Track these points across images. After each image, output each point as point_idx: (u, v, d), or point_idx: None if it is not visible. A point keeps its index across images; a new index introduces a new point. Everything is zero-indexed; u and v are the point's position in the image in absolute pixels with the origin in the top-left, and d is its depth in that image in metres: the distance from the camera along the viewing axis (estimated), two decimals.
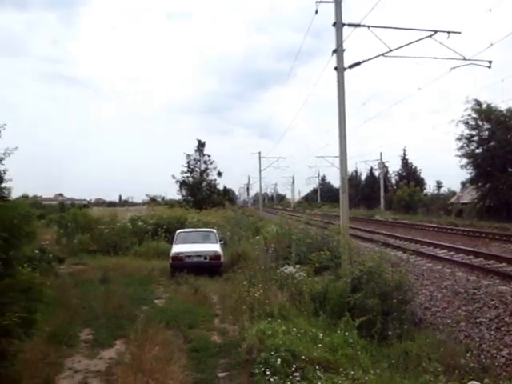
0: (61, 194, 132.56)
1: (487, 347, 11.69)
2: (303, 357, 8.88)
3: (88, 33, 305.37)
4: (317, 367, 8.67)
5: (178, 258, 22.00)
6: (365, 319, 11.57)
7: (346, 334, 10.63)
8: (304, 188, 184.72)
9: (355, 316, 11.66)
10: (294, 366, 8.59)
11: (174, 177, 70.72)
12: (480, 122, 51.77)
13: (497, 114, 50.57)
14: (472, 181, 55.83)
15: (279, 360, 8.64)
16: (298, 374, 8.36)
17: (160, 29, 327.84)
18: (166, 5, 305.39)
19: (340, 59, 18.93)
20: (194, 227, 30.02)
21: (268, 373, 8.37)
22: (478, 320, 13.22)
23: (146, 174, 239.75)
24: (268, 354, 8.85)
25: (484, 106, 51.37)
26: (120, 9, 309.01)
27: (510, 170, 50.20)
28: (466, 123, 52.16)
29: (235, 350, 10.69)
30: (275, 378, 8.26)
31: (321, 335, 10.32)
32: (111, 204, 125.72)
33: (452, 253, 25.01)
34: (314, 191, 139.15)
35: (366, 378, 8.38)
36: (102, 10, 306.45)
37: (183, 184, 70.69)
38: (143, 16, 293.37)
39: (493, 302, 14.08)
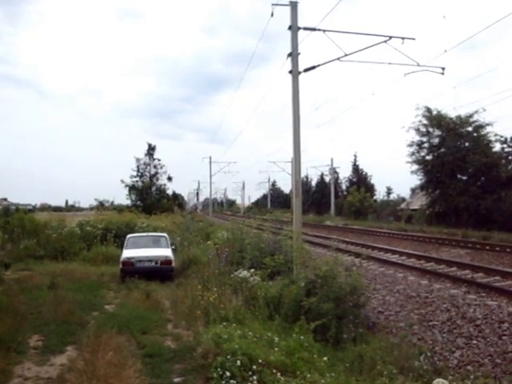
0: (5, 199, 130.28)
1: (440, 349, 11.82)
2: (260, 360, 8.81)
3: (32, 31, 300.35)
4: (274, 371, 8.63)
5: (128, 262, 21.77)
6: (320, 323, 11.61)
7: (302, 337, 10.60)
8: (254, 193, 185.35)
9: (310, 320, 11.65)
10: (252, 369, 8.53)
11: (123, 181, 70.15)
12: (430, 129, 52.38)
13: (447, 120, 51.23)
14: (422, 187, 56.43)
15: (237, 364, 8.56)
16: (255, 377, 8.31)
17: (109, 29, 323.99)
18: (117, 4, 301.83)
19: (295, 63, 18.90)
20: (143, 232, 29.85)
21: (225, 377, 8.29)
22: (430, 323, 13.39)
23: (93, 178, 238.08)
24: (224, 358, 8.76)
25: (434, 112, 52.02)
26: (68, 7, 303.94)
27: (459, 176, 50.87)
28: (417, 130, 52.72)
29: (190, 354, 10.62)
30: (233, 381, 8.20)
31: (277, 339, 10.27)
32: (57, 209, 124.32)
33: (403, 257, 25.33)
34: (264, 197, 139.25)
35: (323, 381, 8.37)
36: (47, 7, 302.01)
37: (132, 188, 70.18)
38: (92, 15, 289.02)
39: (445, 305, 14.30)
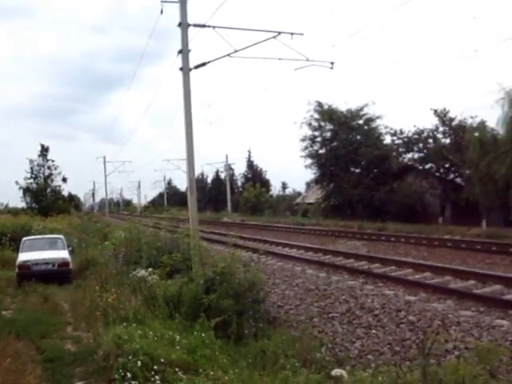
0: None
1: (341, 340, 11.98)
2: (162, 360, 8.68)
3: None
4: (176, 369, 8.53)
5: (24, 266, 21.12)
6: (220, 320, 11.59)
7: (203, 335, 10.54)
8: (150, 192, 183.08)
9: (211, 317, 11.60)
10: (154, 369, 8.40)
11: (17, 183, 68.77)
12: (322, 123, 53.17)
13: (338, 114, 52.11)
14: (316, 181, 57.33)
15: (138, 364, 8.41)
16: (158, 377, 8.19)
17: None
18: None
19: (185, 60, 18.75)
20: (40, 234, 28.98)
21: (127, 378, 8.13)
22: (330, 315, 13.53)
23: None
24: (126, 359, 8.58)
25: (325, 107, 52.79)
26: None
27: (352, 169, 51.86)
28: (309, 124, 53.46)
29: (91, 357, 10.36)
30: (135, 382, 8.05)
31: (178, 337, 10.16)
32: None
33: (301, 251, 25.59)
34: (161, 195, 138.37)
35: (226, 377, 8.31)
36: None
37: (27, 190, 68.89)
38: None
39: (343, 297, 14.46)
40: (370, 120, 51.90)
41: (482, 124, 39.19)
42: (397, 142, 49.97)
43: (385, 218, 41.35)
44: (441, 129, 46.50)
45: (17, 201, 73.49)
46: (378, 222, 39.72)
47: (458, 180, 46.03)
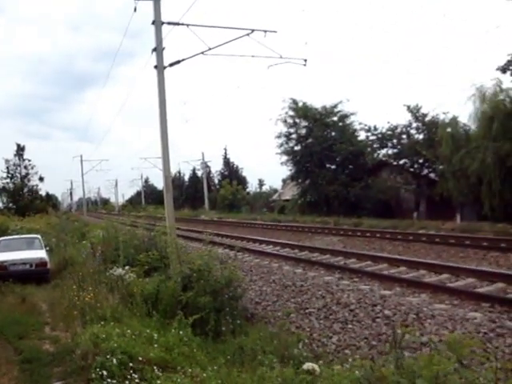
0: None
1: (318, 336, 12.12)
2: (140, 358, 8.70)
3: None
4: (154, 367, 8.53)
5: (1, 267, 20.93)
6: (198, 317, 11.56)
7: (181, 332, 10.56)
8: (128, 191, 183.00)
9: (188, 314, 11.58)
10: (132, 367, 8.42)
11: None
12: (297, 120, 53.37)
13: (313, 111, 52.33)
14: (292, 177, 57.55)
15: (115, 363, 8.44)
16: (136, 375, 8.18)
17: None
18: None
19: (160, 58, 18.75)
20: (17, 234, 28.85)
21: (105, 376, 8.16)
22: (307, 311, 13.65)
23: None
24: (104, 358, 8.58)
25: (300, 104, 52.98)
26: None
27: (328, 165, 52.08)
28: (284, 121, 53.70)
29: (69, 357, 10.29)
30: (113, 381, 8.07)
31: (156, 335, 10.17)
32: None
33: (278, 248, 25.70)
34: (138, 194, 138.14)
35: (204, 374, 8.34)
36: None
37: (3, 190, 68.45)
38: None
39: (320, 293, 14.57)
40: (344, 117, 52.25)
41: (454, 120, 39.58)
42: (371, 138, 50.33)
43: (360, 214, 41.69)
44: (414, 125, 46.93)
45: None
46: (354, 217, 39.93)
47: (432, 175, 46.40)
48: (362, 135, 51.71)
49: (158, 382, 8.00)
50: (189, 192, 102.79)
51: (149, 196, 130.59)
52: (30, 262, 21.47)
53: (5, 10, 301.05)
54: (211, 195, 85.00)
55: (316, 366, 7.69)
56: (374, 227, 32.88)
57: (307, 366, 7.78)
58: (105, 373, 8.20)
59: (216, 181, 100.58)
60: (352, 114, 52.03)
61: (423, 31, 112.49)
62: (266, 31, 19.73)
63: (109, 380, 8.09)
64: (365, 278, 16.44)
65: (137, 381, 8.08)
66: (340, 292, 14.21)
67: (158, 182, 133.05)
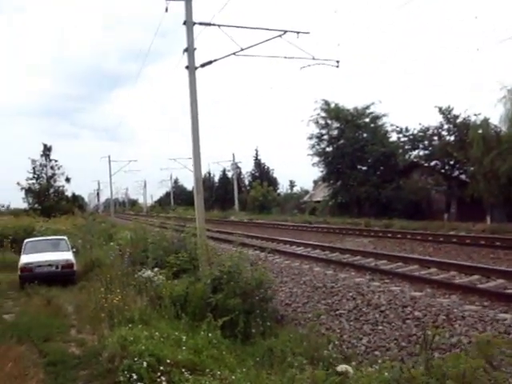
0: None
1: (348, 337, 12.05)
2: (168, 361, 8.63)
3: None
4: (183, 370, 8.48)
5: (27, 268, 20.94)
6: (227, 319, 11.54)
7: (210, 335, 10.51)
8: (156, 192, 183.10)
9: (218, 316, 11.54)
10: (160, 370, 8.37)
11: (19, 183, 68.42)
12: (329, 121, 53.35)
13: (345, 113, 52.28)
14: (324, 179, 57.57)
15: (144, 365, 8.40)
16: (164, 378, 8.14)
17: None
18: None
19: (191, 58, 18.71)
20: (43, 236, 28.84)
21: (133, 379, 8.12)
22: (337, 312, 13.56)
23: None
24: (131, 361, 8.54)
25: (332, 105, 52.92)
26: None
27: (359, 166, 51.94)
28: (316, 122, 53.76)
29: (96, 359, 10.30)
30: None
31: (184, 338, 10.13)
32: None
33: (309, 249, 25.57)
34: (167, 194, 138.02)
35: (233, 377, 8.28)
36: None
37: (29, 191, 68.50)
38: None
39: (350, 294, 14.47)
40: (376, 118, 52.14)
41: (486, 121, 39.34)
42: (402, 139, 50.09)
43: (391, 215, 41.50)
44: (445, 126, 46.57)
45: (19, 202, 73.41)
46: (385, 219, 39.78)
47: (463, 177, 46.16)
48: (393, 136, 51.65)
49: None
50: (218, 193, 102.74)
51: (178, 197, 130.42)
52: (56, 263, 21.46)
53: (27, 10, 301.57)
54: (241, 196, 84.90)
55: (349, 368, 7.62)
56: (405, 228, 32.75)
57: (341, 367, 7.72)
58: (134, 376, 8.18)
59: (246, 182, 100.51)
60: (384, 115, 52.01)
61: (455, 33, 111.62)
62: (298, 32, 19.64)
63: (137, 383, 8.07)
64: (395, 279, 16.28)
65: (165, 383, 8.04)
66: (371, 293, 14.10)
67: (188, 183, 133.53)
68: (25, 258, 21.80)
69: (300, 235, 35.81)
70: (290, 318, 14.13)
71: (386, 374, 6.65)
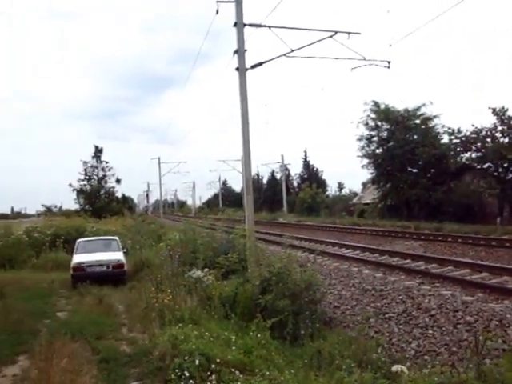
0: None
1: (397, 341, 11.91)
2: (218, 360, 8.70)
3: None
4: (232, 369, 8.53)
5: (79, 268, 21.35)
6: (276, 320, 11.55)
7: (259, 335, 10.54)
8: (205, 193, 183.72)
9: (266, 317, 11.56)
10: (210, 369, 8.43)
11: (71, 185, 69.47)
12: (379, 123, 53.00)
13: (395, 114, 51.86)
14: (373, 181, 57.18)
15: (195, 364, 8.45)
16: (214, 377, 8.20)
17: (42, 29, 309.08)
18: (49, 4, 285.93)
19: (241, 60, 18.78)
20: (94, 236, 29.41)
21: (184, 377, 8.18)
22: (386, 315, 13.44)
23: (40, 183, 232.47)
24: (182, 360, 8.63)
25: (382, 106, 52.56)
26: None
27: (409, 169, 51.47)
28: (366, 124, 53.45)
29: (146, 358, 10.43)
30: (191, 382, 8.09)
31: (233, 338, 10.19)
32: (2, 216, 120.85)
33: (357, 252, 25.48)
34: (216, 196, 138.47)
35: (282, 377, 8.29)
36: None
37: (80, 192, 69.50)
38: (22, 16, 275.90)
39: (400, 297, 14.35)
40: (427, 119, 51.47)
41: None
42: (454, 141, 49.15)
43: (442, 218, 40.97)
44: (499, 128, 45.59)
45: (70, 203, 74.40)
46: (435, 222, 39.36)
47: None
48: (444, 138, 50.81)
49: None
50: (267, 195, 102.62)
51: (226, 198, 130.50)
52: (107, 263, 21.83)
53: (79, 16, 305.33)
54: (290, 198, 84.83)
55: (404, 368, 7.60)
56: (456, 232, 32.31)
57: (396, 367, 7.72)
58: (186, 373, 8.24)
59: (295, 184, 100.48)
60: (435, 116, 51.19)
61: (509, 33, 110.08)
62: (349, 33, 19.63)
63: (188, 381, 8.13)
64: (446, 283, 16.10)
65: (214, 383, 8.10)
66: (421, 297, 13.96)
67: (236, 185, 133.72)
68: (77, 258, 22.18)
69: (349, 237, 35.70)
70: (338, 321, 14.08)
71: (436, 378, 6.61)
